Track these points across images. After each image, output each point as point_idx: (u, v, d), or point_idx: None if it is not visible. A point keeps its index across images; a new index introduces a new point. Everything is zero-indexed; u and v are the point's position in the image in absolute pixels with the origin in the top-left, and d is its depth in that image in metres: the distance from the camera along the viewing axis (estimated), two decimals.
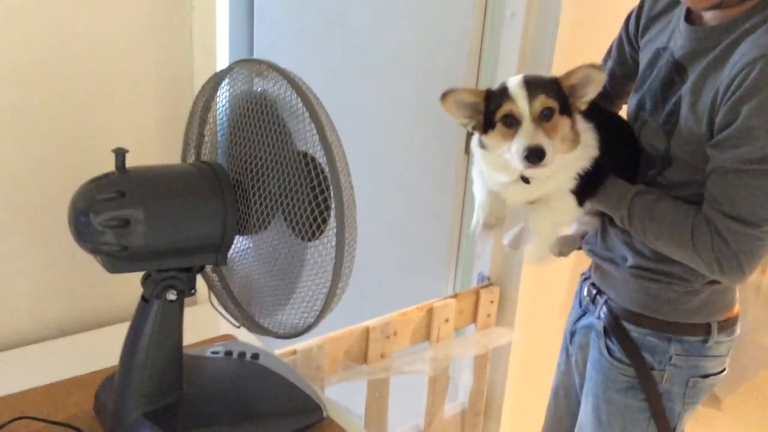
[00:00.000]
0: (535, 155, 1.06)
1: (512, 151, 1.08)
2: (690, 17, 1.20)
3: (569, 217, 1.23)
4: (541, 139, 1.07)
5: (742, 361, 3.03)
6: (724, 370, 1.33)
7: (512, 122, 1.09)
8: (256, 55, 2.59)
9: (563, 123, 1.11)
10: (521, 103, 1.08)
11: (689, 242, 1.13)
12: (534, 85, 1.10)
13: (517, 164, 1.08)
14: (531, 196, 1.20)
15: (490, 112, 1.12)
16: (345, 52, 2.30)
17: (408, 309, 1.88)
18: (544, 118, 1.09)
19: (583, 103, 1.14)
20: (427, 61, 2.10)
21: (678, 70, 1.19)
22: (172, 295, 0.96)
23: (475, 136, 1.19)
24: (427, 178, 2.18)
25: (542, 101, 1.08)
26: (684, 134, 1.16)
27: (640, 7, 1.34)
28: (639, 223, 1.18)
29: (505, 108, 1.09)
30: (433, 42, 2.07)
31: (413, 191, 2.23)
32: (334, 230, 0.89)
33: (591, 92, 1.12)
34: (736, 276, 1.12)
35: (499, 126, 1.11)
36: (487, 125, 1.13)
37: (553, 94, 1.10)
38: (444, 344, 1.96)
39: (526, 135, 1.07)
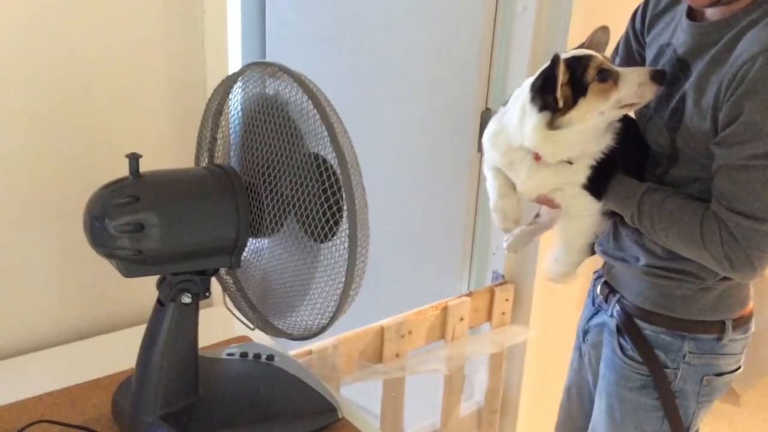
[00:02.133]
0: (661, 74, 1.13)
1: (633, 90, 1.12)
2: (692, 13, 1.20)
3: (591, 216, 1.23)
4: (642, 67, 1.15)
5: (760, 356, 2.99)
6: (739, 368, 1.32)
7: (607, 76, 1.11)
8: (268, 57, 2.59)
9: None
10: (601, 58, 1.12)
11: (699, 239, 1.12)
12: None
13: (644, 97, 1.13)
14: (548, 186, 1.21)
15: (578, 78, 1.11)
16: (357, 51, 2.30)
17: (423, 308, 1.88)
18: None
19: None
20: (438, 58, 2.10)
21: (681, 67, 1.19)
22: (186, 298, 0.97)
23: (530, 125, 1.14)
24: (440, 177, 2.18)
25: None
26: (689, 131, 1.16)
27: (645, 3, 1.34)
28: (648, 220, 1.18)
29: (596, 63, 1.11)
30: (444, 39, 2.07)
31: (427, 190, 2.23)
32: (347, 231, 0.89)
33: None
34: (747, 272, 1.11)
35: (593, 86, 1.11)
36: (576, 94, 1.12)
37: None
38: (459, 343, 1.95)
39: (634, 71, 1.13)
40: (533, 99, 1.13)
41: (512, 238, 1.47)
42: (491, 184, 1.29)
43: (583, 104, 1.12)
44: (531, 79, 1.17)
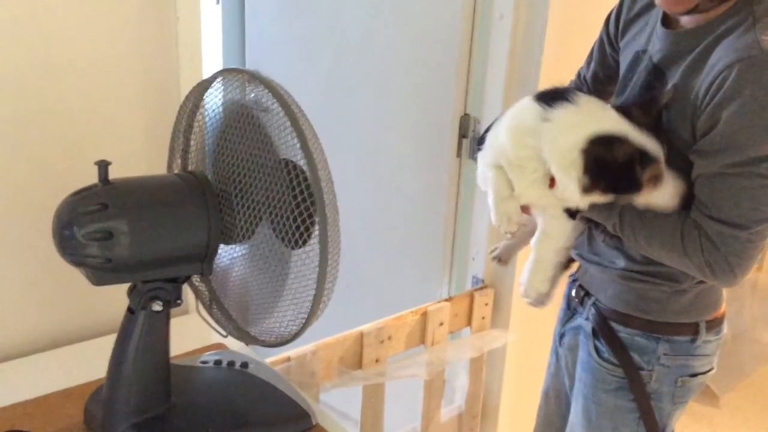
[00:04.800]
0: (690, 196, 1.14)
1: (665, 199, 1.14)
2: (666, 21, 1.20)
3: (566, 236, 1.24)
4: (678, 180, 1.15)
5: (739, 358, 3.03)
6: (712, 369, 1.34)
7: (656, 181, 1.12)
8: (248, 64, 2.60)
9: None
10: (662, 159, 1.11)
11: (680, 247, 1.13)
12: (652, 133, 1.11)
13: (664, 205, 1.14)
14: (542, 203, 1.21)
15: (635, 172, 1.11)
16: (336, 57, 2.31)
17: (402, 313, 1.88)
18: None
19: None
20: (417, 64, 2.11)
21: (657, 75, 1.20)
22: (157, 306, 0.96)
23: (569, 181, 1.10)
24: (420, 182, 2.19)
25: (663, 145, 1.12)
26: (666, 139, 1.15)
27: (619, 8, 1.34)
28: (630, 230, 1.18)
29: (654, 170, 1.10)
30: (423, 45, 2.08)
31: (406, 195, 2.23)
32: (318, 237, 0.89)
33: None
34: (729, 278, 1.12)
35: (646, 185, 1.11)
36: None
37: (655, 128, 1.13)
38: (439, 348, 1.95)
39: (676, 183, 1.14)
40: (587, 158, 1.07)
41: (499, 249, 1.47)
42: (494, 185, 1.22)
43: (624, 196, 1.13)
44: (599, 105, 1.14)
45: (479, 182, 1.29)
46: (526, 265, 1.27)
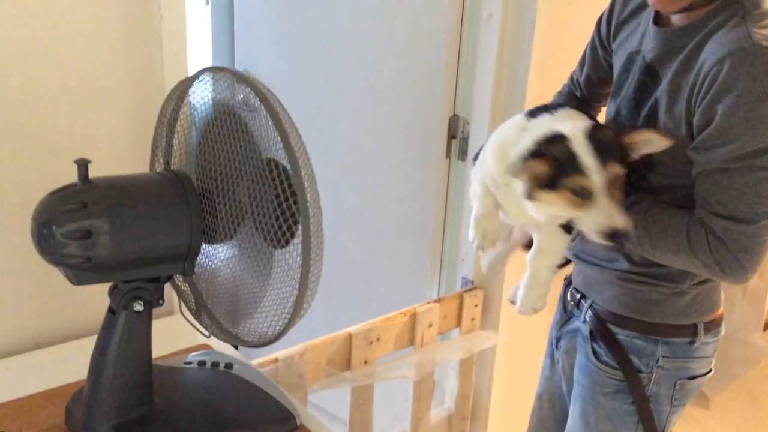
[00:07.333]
0: (615, 235, 1.03)
1: (588, 227, 1.05)
2: (658, 19, 1.20)
3: (562, 251, 1.23)
4: (617, 216, 1.03)
5: (730, 359, 3.03)
6: (710, 371, 1.32)
7: (583, 194, 1.04)
8: (237, 63, 2.59)
9: (622, 180, 1.06)
10: (595, 178, 1.02)
11: (687, 247, 1.11)
12: (604, 152, 1.03)
13: (593, 238, 1.05)
14: (534, 220, 1.18)
15: (556, 175, 1.03)
16: (325, 57, 2.30)
17: (391, 314, 1.87)
18: (612, 184, 1.04)
19: (636, 155, 1.08)
20: (406, 64, 2.10)
21: (650, 74, 1.19)
22: (139, 306, 0.95)
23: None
24: (409, 183, 2.18)
25: (612, 170, 1.04)
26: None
27: (611, 10, 1.34)
28: (635, 236, 1.16)
29: (577, 180, 1.03)
30: (411, 45, 2.08)
31: (395, 196, 2.23)
32: (300, 237, 0.89)
33: (646, 150, 1.08)
34: (740, 275, 1.10)
35: (563, 192, 1.04)
36: (548, 184, 1.04)
37: (618, 156, 1.05)
38: (428, 349, 1.95)
39: (604, 214, 1.03)
40: (530, 155, 1.04)
41: (489, 261, 1.47)
42: (478, 200, 1.22)
43: (546, 196, 1.06)
44: (575, 114, 1.13)
45: (471, 200, 1.28)
46: (522, 281, 1.26)
